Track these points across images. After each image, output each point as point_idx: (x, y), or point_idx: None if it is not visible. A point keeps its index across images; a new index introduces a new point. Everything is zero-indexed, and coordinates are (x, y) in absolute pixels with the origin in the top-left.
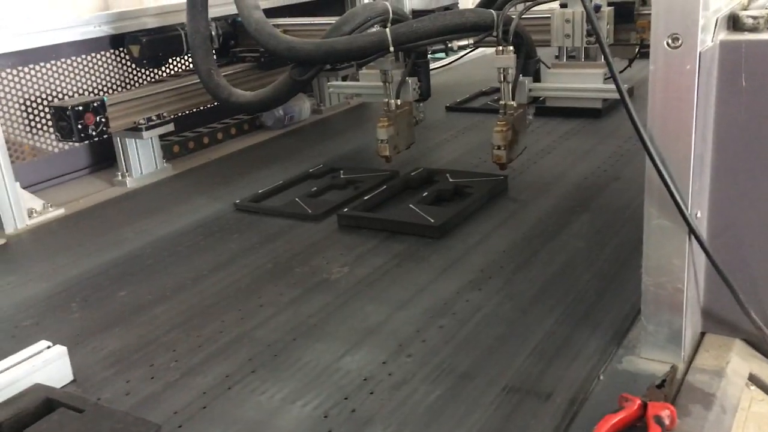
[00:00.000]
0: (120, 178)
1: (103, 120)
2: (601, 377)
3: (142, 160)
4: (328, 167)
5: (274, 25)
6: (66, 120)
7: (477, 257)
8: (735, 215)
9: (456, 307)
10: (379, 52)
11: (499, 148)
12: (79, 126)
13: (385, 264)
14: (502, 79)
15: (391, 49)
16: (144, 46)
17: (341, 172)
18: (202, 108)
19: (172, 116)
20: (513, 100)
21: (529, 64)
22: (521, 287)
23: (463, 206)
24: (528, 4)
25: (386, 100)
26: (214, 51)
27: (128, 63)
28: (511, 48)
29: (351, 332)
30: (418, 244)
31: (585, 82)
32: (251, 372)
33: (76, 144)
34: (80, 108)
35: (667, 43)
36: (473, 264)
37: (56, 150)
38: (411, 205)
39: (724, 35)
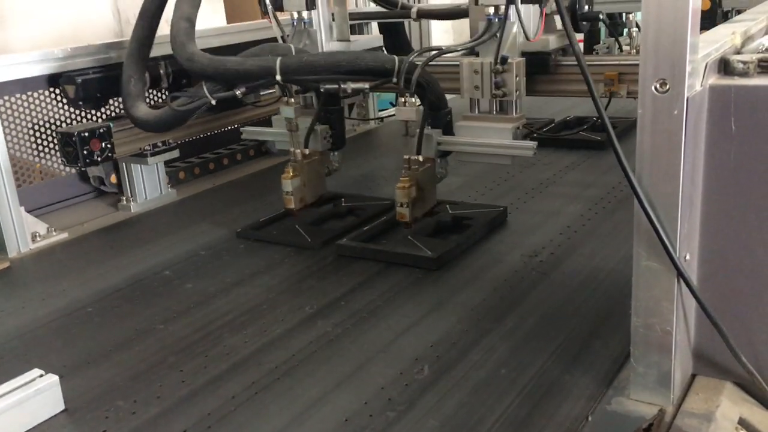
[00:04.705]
0: (124, 203)
1: (108, 146)
2: (590, 418)
3: (146, 185)
4: (329, 195)
5: None
6: (72, 146)
7: (472, 293)
8: (725, 258)
9: (444, 347)
10: (266, 79)
11: (401, 205)
12: (85, 152)
13: (380, 296)
14: (405, 132)
15: (278, 77)
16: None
17: (342, 200)
18: (207, 134)
19: (176, 143)
20: (419, 154)
21: (438, 117)
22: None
23: (461, 239)
24: (434, 53)
25: (292, 149)
26: (165, 88)
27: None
28: (414, 99)
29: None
30: (415, 276)
31: (494, 137)
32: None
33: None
34: (86, 134)
35: (655, 88)
36: (467, 301)
37: (63, 174)
38: (409, 237)
39: (714, 79)
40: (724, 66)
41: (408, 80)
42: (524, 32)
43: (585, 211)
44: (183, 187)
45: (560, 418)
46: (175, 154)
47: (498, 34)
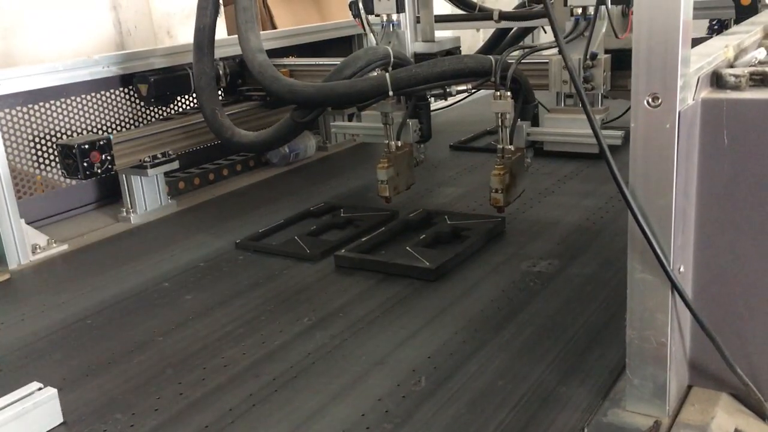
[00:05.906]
0: (124, 214)
1: (108, 158)
2: (585, 430)
3: (146, 196)
4: (329, 206)
5: (280, 65)
6: (72, 158)
7: (470, 304)
8: (720, 270)
9: (441, 358)
10: (378, 96)
11: (496, 191)
12: (85, 164)
13: (378, 307)
14: (499, 123)
15: (390, 93)
16: (152, 85)
17: (341, 210)
18: (207, 145)
19: (177, 154)
20: (511, 144)
21: (527, 109)
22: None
23: (459, 249)
24: (526, 50)
25: (387, 141)
26: (221, 89)
27: (135, 101)
28: (509, 93)
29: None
30: (413, 287)
31: (581, 128)
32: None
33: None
34: (86, 146)
35: (647, 102)
36: (465, 312)
37: (63, 185)
38: (408, 248)
39: (706, 93)
40: (717, 79)
41: (504, 77)
42: (613, 31)
43: (583, 221)
44: (183, 198)
45: (556, 430)
46: (175, 165)
47: (586, 33)
